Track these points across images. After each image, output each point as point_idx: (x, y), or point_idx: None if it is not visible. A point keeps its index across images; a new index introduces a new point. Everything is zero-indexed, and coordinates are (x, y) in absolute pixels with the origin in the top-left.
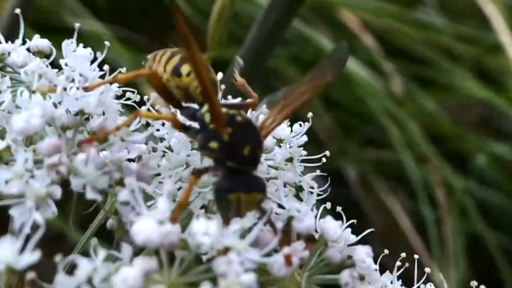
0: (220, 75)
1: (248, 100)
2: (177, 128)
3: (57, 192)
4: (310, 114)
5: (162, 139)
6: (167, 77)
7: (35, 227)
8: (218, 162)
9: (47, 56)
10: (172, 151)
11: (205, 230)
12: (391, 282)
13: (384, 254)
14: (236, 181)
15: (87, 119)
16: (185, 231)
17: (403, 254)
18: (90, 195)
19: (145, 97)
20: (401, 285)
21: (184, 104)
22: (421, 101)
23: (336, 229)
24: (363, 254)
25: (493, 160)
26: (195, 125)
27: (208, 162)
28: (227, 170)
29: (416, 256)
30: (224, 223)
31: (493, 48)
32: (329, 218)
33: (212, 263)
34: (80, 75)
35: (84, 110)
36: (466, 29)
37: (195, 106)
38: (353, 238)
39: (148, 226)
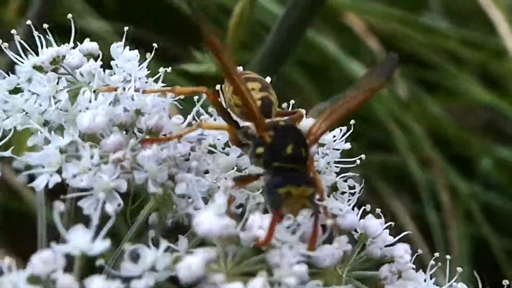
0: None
1: (295, 113)
2: (233, 141)
3: (123, 185)
4: (352, 121)
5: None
6: (228, 96)
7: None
8: (266, 166)
9: (95, 59)
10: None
11: (260, 223)
12: (425, 280)
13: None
14: (286, 176)
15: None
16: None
17: (437, 254)
18: (152, 188)
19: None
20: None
21: (240, 124)
22: (426, 105)
23: (377, 226)
24: (402, 250)
25: (498, 164)
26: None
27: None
28: (275, 171)
29: (436, 254)
30: (274, 219)
31: (498, 53)
32: (370, 216)
33: (266, 255)
34: (130, 75)
35: (141, 109)
36: (472, 33)
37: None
38: (391, 239)
39: (209, 218)
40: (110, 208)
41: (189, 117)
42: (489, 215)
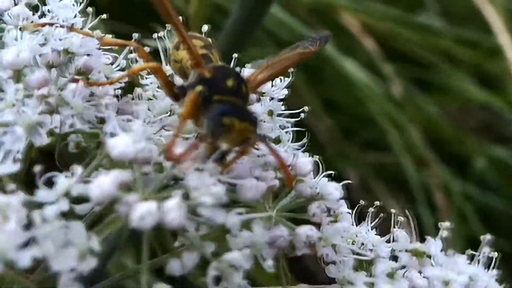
0: None
1: None
2: (166, 87)
3: (47, 121)
4: (291, 70)
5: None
6: (170, 53)
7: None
8: (207, 103)
9: (34, 8)
10: (156, 98)
11: (182, 147)
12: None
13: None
14: (231, 106)
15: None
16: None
17: (377, 202)
18: (78, 125)
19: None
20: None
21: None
22: (421, 105)
23: (306, 164)
24: (331, 188)
25: (493, 164)
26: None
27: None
28: (217, 104)
29: (392, 210)
30: (210, 150)
31: (493, 52)
32: (301, 155)
33: (185, 179)
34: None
35: (68, 49)
36: (466, 32)
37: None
38: (334, 187)
39: (123, 141)
40: (38, 141)
41: (120, 58)
42: (484, 215)
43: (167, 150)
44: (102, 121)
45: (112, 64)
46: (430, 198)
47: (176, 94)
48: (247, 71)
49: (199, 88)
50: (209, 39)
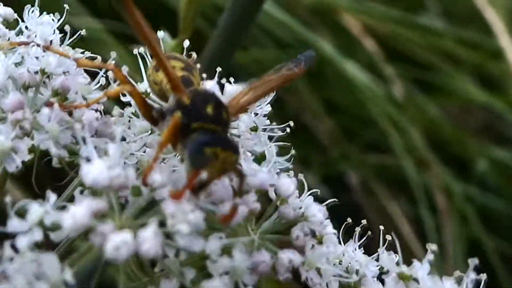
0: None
1: None
2: (144, 113)
3: (21, 146)
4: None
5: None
6: (149, 73)
7: None
8: (186, 130)
9: (13, 26)
10: (138, 117)
11: (158, 170)
12: (354, 251)
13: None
14: (213, 135)
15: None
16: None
17: (364, 221)
18: (53, 150)
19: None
20: (364, 253)
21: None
22: (422, 106)
23: (289, 185)
24: (315, 209)
25: (494, 165)
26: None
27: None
28: (198, 134)
29: (381, 227)
30: (191, 178)
31: (494, 53)
32: (283, 175)
33: (162, 205)
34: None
35: (45, 69)
36: (468, 33)
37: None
38: (317, 209)
39: (97, 168)
40: (11, 168)
41: (98, 77)
42: (484, 216)
43: (144, 176)
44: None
45: (89, 83)
46: (431, 200)
47: (154, 118)
48: (228, 91)
49: (177, 114)
50: (190, 60)
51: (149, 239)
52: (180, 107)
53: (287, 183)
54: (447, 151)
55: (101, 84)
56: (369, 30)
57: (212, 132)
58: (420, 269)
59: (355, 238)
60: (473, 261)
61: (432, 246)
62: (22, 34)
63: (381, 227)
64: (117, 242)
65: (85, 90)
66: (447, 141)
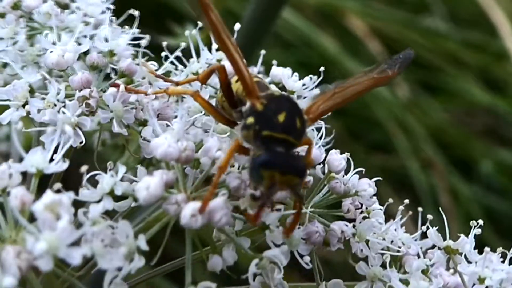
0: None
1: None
2: (218, 118)
3: (87, 122)
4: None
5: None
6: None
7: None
8: (256, 137)
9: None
10: None
11: (219, 146)
12: (395, 230)
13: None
14: (275, 156)
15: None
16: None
17: (406, 201)
18: (116, 128)
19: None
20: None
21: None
22: (427, 108)
23: (340, 161)
24: (365, 184)
25: (499, 166)
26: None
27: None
28: (264, 141)
29: (419, 209)
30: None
31: (499, 55)
32: (333, 151)
33: (226, 178)
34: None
35: (114, 50)
36: (473, 34)
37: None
38: (367, 184)
39: (166, 141)
40: (69, 130)
41: (164, 67)
42: (489, 217)
43: (204, 202)
44: (141, 124)
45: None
46: (436, 201)
47: (230, 120)
48: (275, 74)
49: (250, 120)
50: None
51: (220, 209)
52: (253, 112)
53: (338, 159)
54: (452, 152)
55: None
56: (374, 31)
57: (280, 142)
58: (467, 243)
59: (397, 218)
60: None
61: (479, 221)
62: (73, 14)
63: (420, 209)
64: (193, 210)
65: (152, 76)
66: (451, 143)
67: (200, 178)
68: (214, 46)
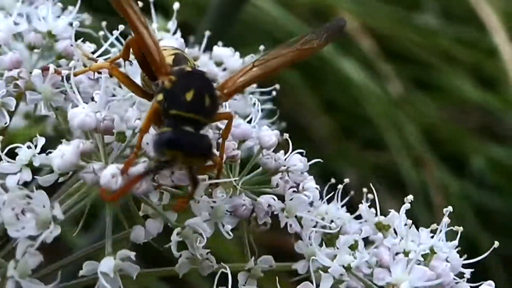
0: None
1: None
2: (136, 91)
3: (12, 103)
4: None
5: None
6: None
7: None
8: (165, 114)
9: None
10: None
11: (138, 115)
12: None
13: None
14: (179, 136)
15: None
16: None
17: (346, 180)
18: (43, 111)
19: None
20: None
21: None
22: (419, 104)
23: (270, 136)
24: (296, 160)
25: (490, 163)
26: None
27: None
28: (173, 120)
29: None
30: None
31: (490, 52)
32: (265, 127)
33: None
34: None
35: (52, 31)
36: (464, 31)
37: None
38: (298, 159)
39: (84, 111)
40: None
41: (102, 49)
42: (481, 214)
43: (125, 166)
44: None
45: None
46: (428, 198)
47: (147, 93)
48: (217, 54)
49: (159, 97)
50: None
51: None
52: (162, 89)
53: (269, 134)
54: (443, 149)
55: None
56: (366, 28)
57: (187, 121)
58: (397, 218)
59: (337, 198)
60: (449, 209)
61: (408, 197)
62: None
63: (364, 189)
64: (111, 171)
65: (85, 59)
66: (443, 139)
67: (121, 148)
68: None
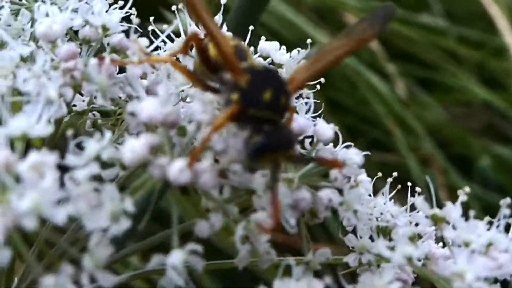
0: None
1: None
2: (196, 83)
3: (69, 93)
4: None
5: None
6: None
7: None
8: (243, 115)
9: None
10: None
11: (203, 109)
12: (384, 203)
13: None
14: (267, 139)
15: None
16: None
17: (395, 174)
18: (100, 101)
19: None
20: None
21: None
22: (425, 104)
23: (327, 130)
24: (352, 153)
25: (497, 163)
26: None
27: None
28: (252, 121)
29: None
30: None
31: (497, 52)
32: (321, 120)
33: (212, 144)
34: None
35: (106, 25)
36: (470, 32)
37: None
38: (355, 153)
39: (151, 105)
40: (53, 92)
41: (156, 42)
42: (488, 214)
43: (190, 160)
44: (127, 101)
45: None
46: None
47: (213, 88)
48: (263, 48)
49: (234, 97)
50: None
51: (206, 172)
52: (236, 88)
53: (326, 128)
54: (450, 149)
55: (159, 47)
56: None
57: (264, 121)
58: (454, 211)
59: (386, 191)
60: (506, 201)
61: (466, 189)
62: None
63: (409, 183)
64: (179, 166)
65: (141, 54)
66: (449, 139)
67: (186, 142)
68: None
